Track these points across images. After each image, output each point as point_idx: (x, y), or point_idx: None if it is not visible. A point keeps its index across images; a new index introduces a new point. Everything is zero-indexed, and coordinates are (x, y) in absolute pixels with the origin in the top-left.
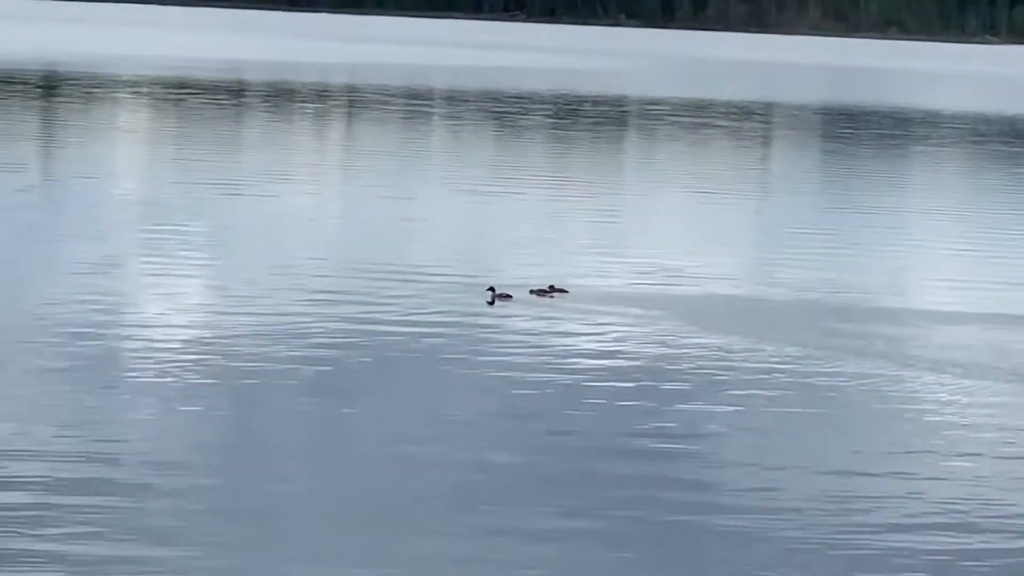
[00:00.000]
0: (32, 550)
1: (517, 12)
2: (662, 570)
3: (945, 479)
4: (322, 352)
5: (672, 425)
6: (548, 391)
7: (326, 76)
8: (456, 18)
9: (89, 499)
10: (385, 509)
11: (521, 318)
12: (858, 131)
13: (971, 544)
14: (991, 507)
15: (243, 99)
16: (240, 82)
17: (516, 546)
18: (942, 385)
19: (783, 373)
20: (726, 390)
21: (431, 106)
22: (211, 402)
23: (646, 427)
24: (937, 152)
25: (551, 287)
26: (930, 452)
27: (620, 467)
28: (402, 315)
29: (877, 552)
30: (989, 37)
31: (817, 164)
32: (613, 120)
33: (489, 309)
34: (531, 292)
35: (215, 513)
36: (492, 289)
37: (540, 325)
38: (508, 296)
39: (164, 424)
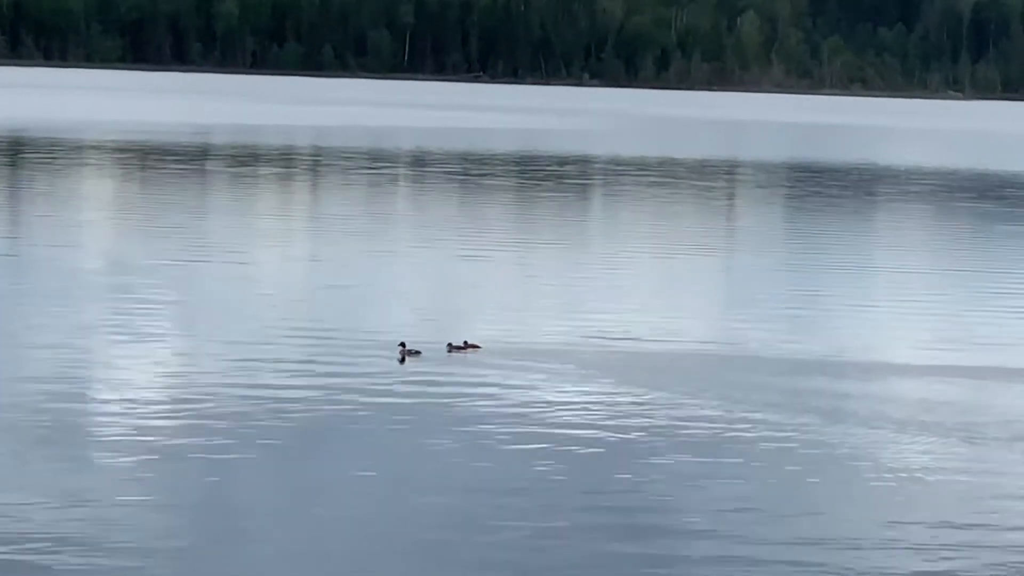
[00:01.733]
0: None
1: (480, 73)
2: None
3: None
4: (283, 417)
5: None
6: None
7: (291, 139)
8: (419, 79)
9: (58, 558)
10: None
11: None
12: (823, 188)
13: None
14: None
15: (208, 162)
16: (205, 145)
17: None
18: (911, 443)
19: (747, 431)
20: (654, 446)
21: (396, 167)
22: (177, 465)
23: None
24: (902, 208)
25: (465, 342)
26: (909, 516)
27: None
28: (362, 378)
29: None
30: (952, 93)
31: (782, 221)
32: (577, 179)
33: (428, 367)
34: (448, 347)
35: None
36: (403, 344)
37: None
38: (418, 352)
39: (131, 489)
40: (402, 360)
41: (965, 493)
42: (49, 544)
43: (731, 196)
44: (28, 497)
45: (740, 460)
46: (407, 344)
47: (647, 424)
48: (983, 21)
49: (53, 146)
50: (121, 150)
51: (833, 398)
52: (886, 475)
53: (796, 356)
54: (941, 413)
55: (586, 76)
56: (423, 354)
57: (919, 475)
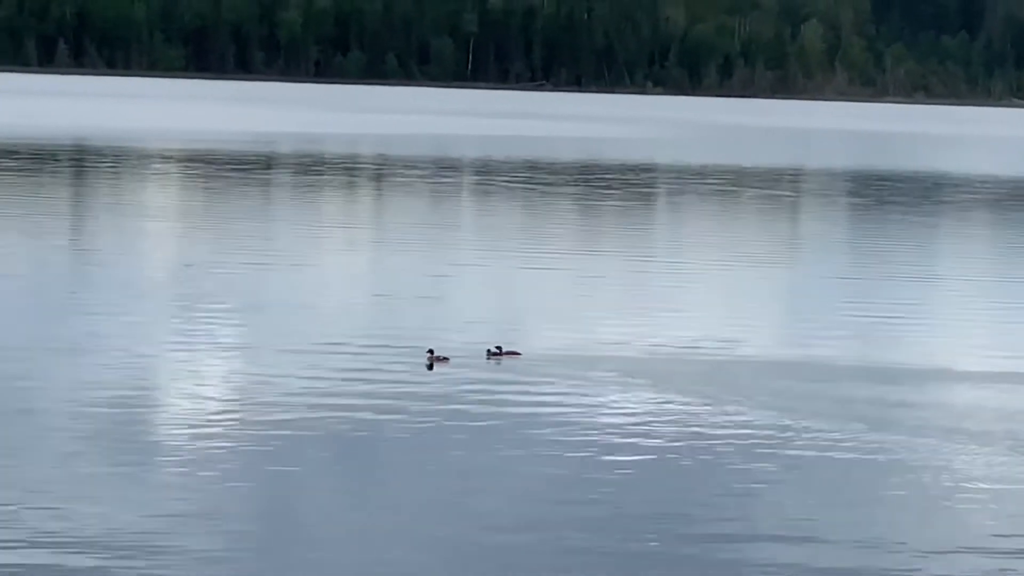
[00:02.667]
0: None
1: (543, 81)
2: None
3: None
4: (345, 424)
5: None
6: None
7: (354, 147)
8: (482, 88)
9: (120, 564)
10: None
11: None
12: (886, 196)
13: None
14: None
15: (271, 171)
16: (268, 154)
17: None
18: (979, 454)
19: (807, 441)
20: (702, 458)
21: (459, 176)
22: (238, 471)
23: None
24: (966, 216)
25: (499, 348)
26: (975, 526)
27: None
28: (417, 385)
29: None
30: (1016, 100)
31: (845, 229)
32: (640, 187)
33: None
34: (488, 353)
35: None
36: (431, 352)
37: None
38: (445, 359)
39: (195, 496)
40: (430, 366)
41: None
42: (108, 551)
43: (794, 204)
44: (87, 504)
45: (801, 468)
46: (435, 351)
47: (703, 431)
48: None
49: (117, 155)
50: (184, 159)
51: (896, 407)
52: (954, 485)
53: (859, 364)
54: (1013, 423)
55: (649, 84)
56: (451, 360)
57: (988, 485)
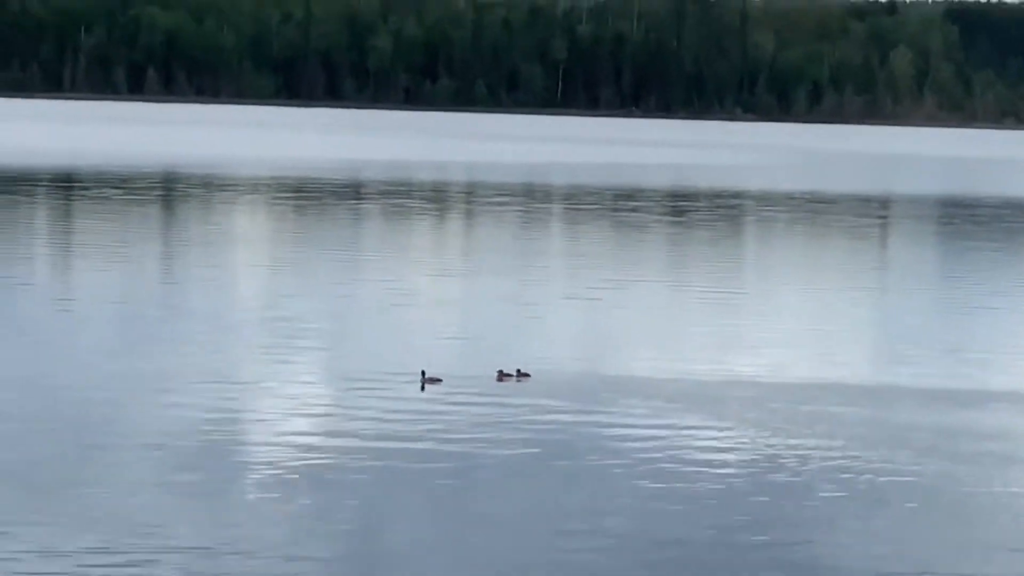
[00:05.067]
0: None
1: (632, 108)
2: None
3: None
4: (435, 454)
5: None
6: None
7: (444, 174)
8: (572, 114)
9: None
10: None
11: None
12: (975, 222)
13: None
14: None
15: (362, 198)
16: (358, 181)
17: None
18: None
19: (902, 474)
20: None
21: (548, 203)
22: (330, 496)
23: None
24: None
25: (518, 371)
26: None
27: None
28: (514, 415)
29: None
30: None
31: (935, 256)
32: (730, 214)
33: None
34: (499, 375)
35: None
36: (423, 373)
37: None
38: (438, 380)
39: (286, 517)
40: (423, 388)
41: None
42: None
43: (884, 230)
44: (186, 528)
45: (878, 498)
46: (426, 372)
47: (776, 458)
48: None
49: (207, 183)
50: (274, 187)
51: (982, 436)
52: None
53: (940, 390)
54: None
55: (738, 110)
56: (443, 382)
57: None
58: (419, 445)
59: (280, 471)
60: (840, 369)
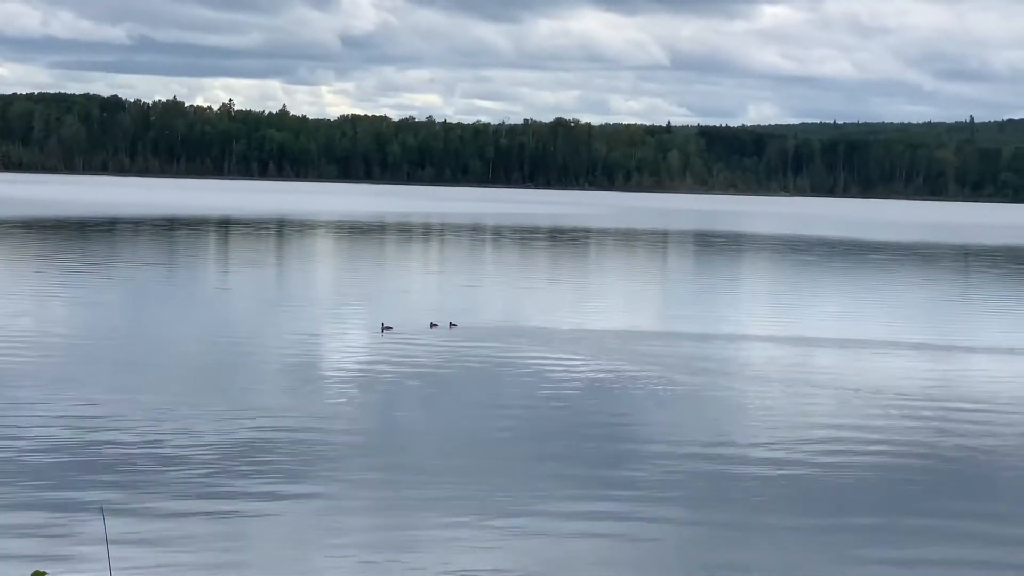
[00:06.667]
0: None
1: (529, 183)
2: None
3: None
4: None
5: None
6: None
7: (427, 220)
8: (498, 187)
9: None
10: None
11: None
12: (720, 251)
13: None
14: None
15: (386, 234)
16: (383, 224)
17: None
18: None
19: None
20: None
21: (497, 235)
22: (345, 393)
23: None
24: None
25: (450, 323)
26: None
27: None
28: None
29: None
30: None
31: (689, 265)
32: (585, 242)
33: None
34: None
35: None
36: (383, 324)
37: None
38: (389, 328)
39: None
40: (382, 331)
41: None
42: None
43: (665, 251)
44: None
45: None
46: (384, 323)
47: (612, 373)
48: None
49: (305, 224)
50: (335, 226)
51: (705, 360)
52: None
53: (695, 333)
54: None
55: (586, 184)
56: (393, 328)
57: None
58: (384, 367)
59: (297, 373)
60: (636, 320)
